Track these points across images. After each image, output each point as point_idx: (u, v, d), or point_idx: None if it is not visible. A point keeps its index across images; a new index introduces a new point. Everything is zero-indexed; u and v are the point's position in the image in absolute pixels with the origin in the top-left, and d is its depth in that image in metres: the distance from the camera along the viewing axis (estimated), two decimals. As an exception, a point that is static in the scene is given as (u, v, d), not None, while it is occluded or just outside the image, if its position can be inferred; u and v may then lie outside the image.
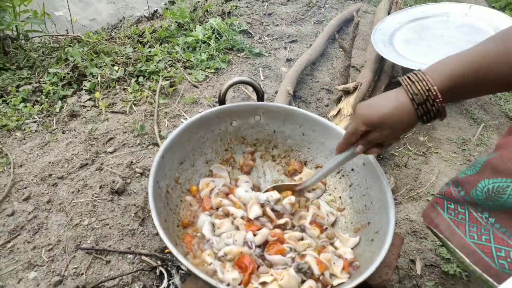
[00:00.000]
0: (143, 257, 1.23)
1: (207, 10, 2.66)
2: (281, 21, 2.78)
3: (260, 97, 1.23)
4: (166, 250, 1.25)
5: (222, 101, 1.20)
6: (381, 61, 1.99)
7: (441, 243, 1.34)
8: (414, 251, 1.34)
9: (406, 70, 1.95)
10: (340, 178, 1.19)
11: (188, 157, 1.14)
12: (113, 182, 1.42)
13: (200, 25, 2.45)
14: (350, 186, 1.16)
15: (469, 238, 1.01)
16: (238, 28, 2.51)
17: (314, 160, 1.24)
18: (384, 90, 1.97)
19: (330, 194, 1.18)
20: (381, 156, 1.69)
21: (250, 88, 1.97)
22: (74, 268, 1.21)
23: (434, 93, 0.75)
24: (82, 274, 1.20)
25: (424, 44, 1.85)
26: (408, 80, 0.78)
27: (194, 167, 1.16)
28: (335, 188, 1.19)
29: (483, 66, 0.72)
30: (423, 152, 1.70)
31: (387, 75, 1.98)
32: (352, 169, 1.16)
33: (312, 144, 1.23)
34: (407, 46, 1.85)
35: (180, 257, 0.79)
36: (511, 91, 0.83)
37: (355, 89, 1.70)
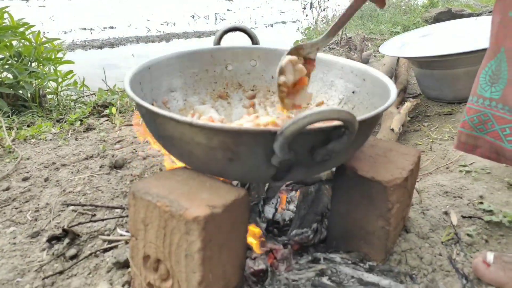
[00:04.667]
0: (131, 210, 1.11)
1: None
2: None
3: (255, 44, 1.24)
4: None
5: (216, 47, 1.21)
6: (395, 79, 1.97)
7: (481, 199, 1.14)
8: (448, 206, 1.12)
9: (421, 76, 1.92)
10: (342, 106, 1.09)
11: (180, 89, 1.11)
12: (113, 156, 1.37)
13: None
14: (352, 108, 1.06)
15: (508, 143, 0.89)
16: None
17: (315, 99, 1.16)
18: (400, 102, 1.92)
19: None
20: (403, 146, 1.55)
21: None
22: (56, 223, 1.10)
23: None
24: (64, 227, 1.08)
25: (438, 42, 1.85)
26: None
27: (186, 101, 1.11)
28: (337, 118, 1.09)
29: None
30: (450, 137, 1.55)
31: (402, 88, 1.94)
32: (353, 92, 1.07)
33: (311, 83, 1.16)
34: (419, 50, 1.85)
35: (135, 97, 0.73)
36: None
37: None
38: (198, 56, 1.14)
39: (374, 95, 0.98)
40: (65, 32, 7.44)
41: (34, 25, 2.46)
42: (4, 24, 2.24)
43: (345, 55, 1.95)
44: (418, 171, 1.00)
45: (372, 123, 0.82)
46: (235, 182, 1.00)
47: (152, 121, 0.77)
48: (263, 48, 1.20)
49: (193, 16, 8.64)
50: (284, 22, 8.75)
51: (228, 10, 9.08)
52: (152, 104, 1.00)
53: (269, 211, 1.08)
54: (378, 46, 3.19)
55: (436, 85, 1.80)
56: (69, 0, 9.26)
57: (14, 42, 2.28)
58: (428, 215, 1.06)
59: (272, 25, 8.54)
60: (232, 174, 0.79)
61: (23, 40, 2.34)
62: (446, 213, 1.08)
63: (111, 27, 7.99)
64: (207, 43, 7.04)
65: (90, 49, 6.29)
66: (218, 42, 1.21)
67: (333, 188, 0.93)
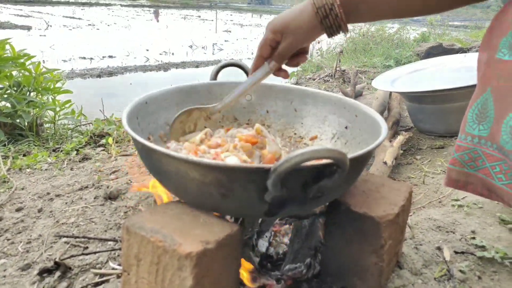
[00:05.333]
0: (124, 242, 1.10)
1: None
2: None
3: (251, 79, 1.27)
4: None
5: (213, 83, 1.24)
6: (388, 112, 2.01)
7: (473, 235, 1.15)
8: (440, 241, 1.12)
9: (412, 108, 1.96)
10: (335, 141, 1.12)
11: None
12: (107, 187, 1.37)
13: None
14: (345, 143, 1.08)
15: (498, 181, 0.90)
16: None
17: (308, 134, 1.19)
18: (393, 135, 1.95)
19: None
20: (395, 179, 1.57)
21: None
22: (48, 255, 1.09)
23: (337, 8, 0.79)
24: (55, 259, 1.07)
25: (428, 77, 1.91)
26: None
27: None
28: (330, 152, 1.11)
29: None
30: (442, 171, 1.56)
31: (394, 119, 1.98)
32: (346, 127, 1.09)
33: (305, 118, 1.20)
34: (410, 85, 1.90)
35: (131, 132, 0.75)
36: (412, 16, 0.87)
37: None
38: (195, 91, 1.17)
39: (366, 131, 1.01)
40: (65, 61, 7.51)
41: (34, 56, 2.50)
42: (5, 55, 2.28)
43: (339, 88, 1.99)
44: (410, 206, 1.02)
45: (364, 160, 0.83)
46: (228, 216, 1.00)
47: (148, 156, 0.79)
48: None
49: (191, 46, 8.79)
50: (280, 54, 8.85)
51: (225, 41, 9.27)
52: (149, 138, 1.02)
53: (262, 245, 1.07)
54: (372, 79, 3.26)
55: (427, 119, 1.84)
56: (70, 30, 9.42)
57: (14, 72, 2.32)
58: (421, 250, 1.06)
59: (268, 56, 8.63)
60: (226, 210, 0.80)
61: (23, 71, 2.37)
62: (439, 248, 1.09)
63: (110, 56, 8.09)
64: (205, 72, 7.15)
65: (89, 77, 6.35)
66: (214, 77, 1.24)
67: (326, 223, 0.94)
